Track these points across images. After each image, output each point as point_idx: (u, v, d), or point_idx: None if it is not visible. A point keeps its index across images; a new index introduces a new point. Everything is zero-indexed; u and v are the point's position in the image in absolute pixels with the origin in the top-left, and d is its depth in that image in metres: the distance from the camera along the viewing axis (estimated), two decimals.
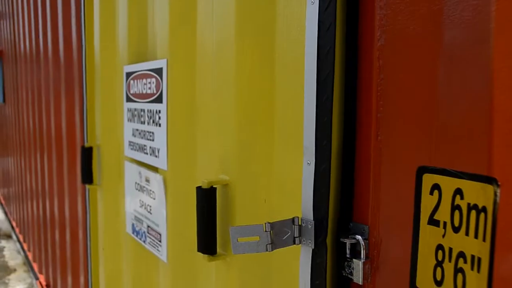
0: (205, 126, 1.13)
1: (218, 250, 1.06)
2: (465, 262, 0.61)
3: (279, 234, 0.82)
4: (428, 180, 0.65)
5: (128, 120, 1.57)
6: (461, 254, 0.61)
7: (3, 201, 6.21)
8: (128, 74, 1.55)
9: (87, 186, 2.00)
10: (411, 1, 0.65)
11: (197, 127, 1.16)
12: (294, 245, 0.83)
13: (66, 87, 2.47)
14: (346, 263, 0.73)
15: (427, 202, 0.66)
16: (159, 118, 1.34)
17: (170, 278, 1.32)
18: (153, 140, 1.39)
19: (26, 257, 4.22)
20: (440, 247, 0.64)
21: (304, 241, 0.82)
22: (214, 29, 1.06)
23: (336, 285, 0.80)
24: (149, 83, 1.39)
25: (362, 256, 0.71)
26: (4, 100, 5.19)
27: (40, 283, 3.49)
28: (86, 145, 1.95)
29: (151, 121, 1.39)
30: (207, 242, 1.05)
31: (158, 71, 1.32)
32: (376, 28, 0.67)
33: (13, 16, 4.15)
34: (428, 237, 0.66)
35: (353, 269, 0.72)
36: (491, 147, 0.56)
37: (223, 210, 1.07)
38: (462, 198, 0.61)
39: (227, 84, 1.02)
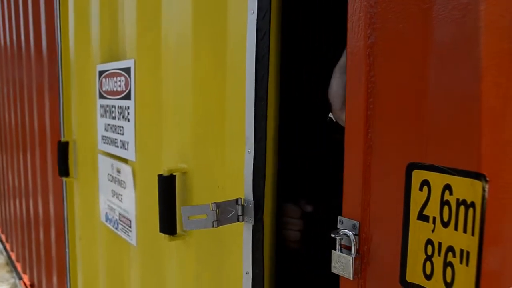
0: (168, 121, 1.26)
1: (178, 231, 1.18)
2: (454, 256, 0.62)
3: (225, 212, 0.96)
4: (418, 176, 0.66)
5: (101, 116, 1.69)
6: (450, 249, 0.62)
7: None
8: (101, 73, 1.65)
9: (64, 179, 2.12)
10: None
11: (162, 122, 1.29)
12: (238, 222, 0.97)
13: (48, 84, 2.48)
14: (336, 258, 0.74)
15: (417, 198, 0.67)
16: (128, 113, 1.46)
17: (139, 260, 1.47)
18: (123, 134, 1.51)
19: (9, 257, 4.16)
20: (429, 242, 0.65)
21: (246, 218, 0.96)
22: (175, 34, 1.19)
23: (274, 258, 0.99)
24: (119, 81, 1.50)
25: (353, 252, 0.72)
26: None
27: (24, 283, 3.44)
28: (63, 139, 2.07)
29: (121, 116, 1.51)
30: (168, 224, 1.17)
31: (127, 70, 1.44)
32: (366, 26, 0.68)
33: None
34: (418, 232, 0.67)
35: (344, 264, 0.73)
36: (480, 144, 0.57)
37: (182, 195, 1.19)
38: (451, 193, 0.62)
39: (185, 84, 1.15)
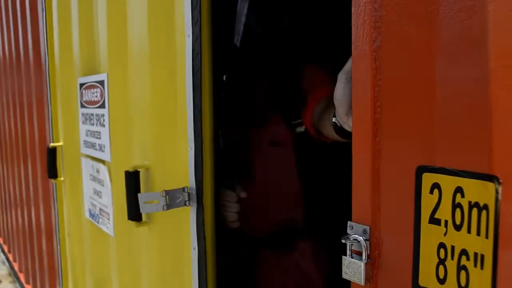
0: (135, 126, 1.47)
1: (143, 218, 1.39)
2: (468, 259, 0.61)
3: (174, 199, 1.19)
4: (428, 179, 0.66)
5: (82, 123, 1.91)
6: (464, 252, 0.62)
7: None
8: (81, 85, 1.88)
9: (53, 181, 2.34)
10: (406, 2, 0.65)
11: (130, 127, 1.50)
12: (185, 206, 1.20)
13: (45, 94, 2.56)
14: (347, 264, 0.73)
15: (427, 201, 0.66)
16: (103, 120, 1.68)
17: (116, 248, 1.70)
18: (100, 138, 1.72)
19: (12, 267, 4.14)
20: (442, 245, 0.65)
21: (191, 203, 1.18)
22: (137, 53, 1.41)
23: (214, 235, 1.21)
24: (95, 92, 1.73)
25: (364, 257, 0.72)
26: None
27: None
28: (51, 145, 2.29)
29: (98, 123, 1.73)
30: (134, 212, 1.35)
31: (101, 83, 1.66)
32: (371, 30, 0.68)
33: None
34: (430, 235, 0.66)
35: (355, 270, 0.72)
36: (492, 145, 0.57)
37: (146, 187, 1.40)
38: (462, 196, 0.62)
39: (146, 94, 1.37)
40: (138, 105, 1.43)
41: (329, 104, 1.22)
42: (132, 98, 1.46)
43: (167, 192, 1.18)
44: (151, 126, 1.37)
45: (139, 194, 1.25)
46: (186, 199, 1.19)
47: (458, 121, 0.61)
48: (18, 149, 3.42)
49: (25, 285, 3.60)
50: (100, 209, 1.80)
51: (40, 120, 2.74)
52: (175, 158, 1.25)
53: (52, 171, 2.27)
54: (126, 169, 1.37)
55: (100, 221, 1.80)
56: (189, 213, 1.20)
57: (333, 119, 0.93)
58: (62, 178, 2.29)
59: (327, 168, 1.59)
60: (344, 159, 1.56)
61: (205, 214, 1.18)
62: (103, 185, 1.73)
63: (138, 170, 1.38)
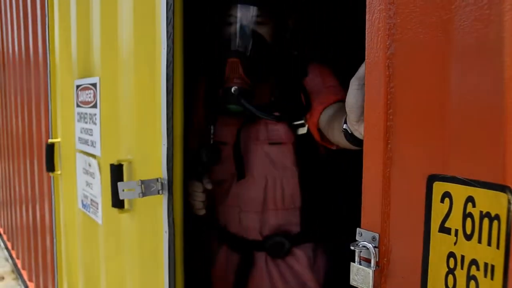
0: (121, 124, 1.64)
1: (125, 206, 1.58)
2: (478, 269, 0.61)
3: (149, 188, 1.37)
4: (439, 188, 0.65)
5: (78, 121, 2.09)
6: (474, 262, 0.61)
7: None
8: (77, 86, 2.06)
9: (51, 174, 2.53)
10: (421, 10, 0.65)
11: (118, 125, 1.67)
12: (158, 194, 1.37)
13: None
14: (356, 271, 0.73)
15: (438, 210, 0.66)
16: (95, 119, 1.87)
17: (104, 234, 1.88)
18: (92, 135, 1.92)
19: (15, 264, 4.15)
20: (451, 254, 0.64)
21: (163, 192, 1.36)
22: (124, 60, 1.58)
23: (182, 221, 1.38)
24: (89, 93, 1.92)
25: (372, 265, 0.71)
26: None
27: None
28: (50, 141, 2.48)
29: (91, 121, 1.92)
30: (117, 200, 1.54)
31: (94, 85, 1.86)
32: (385, 37, 0.68)
33: (0, 21, 4.10)
34: (439, 244, 0.66)
35: (363, 277, 0.72)
36: (505, 155, 0.57)
37: (128, 178, 1.58)
38: (474, 206, 0.61)
39: (131, 96, 1.56)
40: (125, 106, 1.62)
41: (339, 111, 1.22)
42: (120, 100, 1.65)
43: (143, 182, 1.38)
44: (135, 125, 1.56)
45: (118, 182, 1.43)
46: (159, 188, 1.37)
47: (471, 130, 0.61)
48: (25, 146, 3.44)
49: (27, 282, 3.61)
50: (91, 200, 1.99)
51: (45, 118, 2.80)
52: (153, 153, 1.43)
53: (50, 165, 2.46)
54: (112, 163, 1.58)
55: (91, 211, 2.00)
56: (162, 201, 1.39)
57: (344, 126, 0.93)
58: (59, 172, 2.47)
59: (328, 171, 1.60)
60: (347, 163, 1.57)
61: (174, 202, 1.36)
62: (94, 178, 1.93)
63: (122, 163, 1.58)
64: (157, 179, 1.37)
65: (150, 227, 1.47)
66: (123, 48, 1.58)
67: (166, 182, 1.35)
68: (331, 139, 1.28)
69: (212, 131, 1.54)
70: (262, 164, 1.52)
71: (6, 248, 4.64)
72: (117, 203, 1.55)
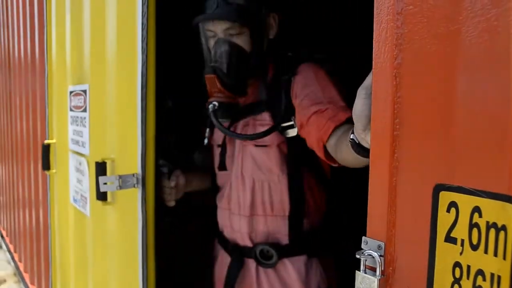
0: (107, 126, 1.86)
1: (108, 199, 1.77)
2: (484, 280, 0.61)
3: (126, 182, 1.59)
4: (445, 197, 0.66)
5: (70, 124, 2.32)
6: (480, 272, 0.61)
7: None
8: (71, 92, 2.29)
9: (47, 172, 2.78)
10: (428, 20, 0.66)
11: (104, 127, 1.89)
12: (134, 188, 1.59)
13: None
14: (361, 280, 0.73)
15: (444, 219, 0.66)
16: (85, 122, 2.09)
17: (91, 226, 2.10)
18: (82, 136, 2.14)
19: (17, 267, 4.16)
20: (457, 264, 0.64)
21: (138, 186, 1.57)
22: (109, 71, 1.80)
23: (154, 212, 1.60)
24: (80, 99, 2.15)
25: (377, 273, 0.72)
26: None
27: None
28: (46, 142, 2.74)
29: (81, 124, 2.14)
30: (99, 193, 1.71)
31: (84, 92, 2.08)
32: (393, 47, 0.68)
33: (7, 22, 4.13)
34: (445, 254, 0.66)
35: (368, 286, 0.72)
36: None
37: (111, 174, 1.76)
38: (480, 216, 0.62)
39: (115, 102, 1.78)
40: (110, 110, 1.83)
41: (348, 130, 1.12)
42: (106, 105, 1.86)
43: (121, 176, 1.60)
44: (117, 127, 1.78)
45: (99, 176, 1.64)
46: (135, 182, 1.58)
47: (478, 141, 0.61)
48: (29, 148, 3.45)
49: (29, 285, 3.61)
50: (81, 195, 2.20)
51: (44, 120, 2.99)
52: (131, 152, 1.63)
53: (45, 164, 2.71)
54: (97, 161, 1.79)
55: (81, 205, 2.22)
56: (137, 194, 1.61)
57: (351, 135, 0.92)
58: (54, 170, 2.71)
59: (325, 180, 1.57)
60: (348, 174, 1.54)
61: (147, 194, 1.57)
62: (83, 175, 2.15)
63: (106, 161, 1.77)
64: (133, 174, 1.59)
65: (130, 217, 1.66)
66: (109, 60, 1.80)
67: (140, 177, 1.56)
68: (337, 157, 1.20)
69: (207, 134, 1.61)
70: (250, 166, 1.50)
71: (9, 250, 4.64)
72: (100, 196, 1.73)
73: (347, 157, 1.09)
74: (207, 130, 1.61)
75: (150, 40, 1.51)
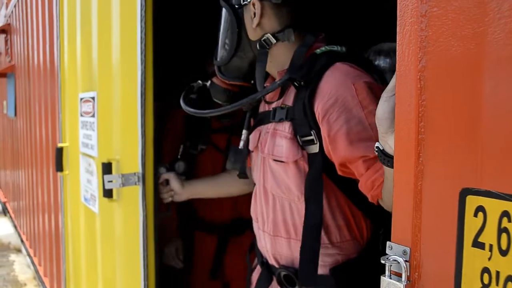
0: (113, 130, 2.03)
1: (114, 196, 1.93)
2: None
3: (128, 180, 1.75)
4: (472, 202, 0.64)
5: (81, 128, 2.49)
6: (510, 278, 0.60)
7: (12, 215, 6.22)
8: (81, 99, 2.47)
9: (60, 174, 2.99)
10: (453, 23, 0.65)
11: (110, 131, 2.05)
12: (136, 185, 1.75)
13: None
14: (386, 285, 0.72)
15: (471, 224, 0.65)
16: (94, 126, 2.25)
17: (100, 222, 2.26)
18: (91, 140, 2.30)
19: (37, 271, 4.21)
20: (486, 270, 0.63)
21: (139, 184, 1.73)
22: (116, 78, 1.97)
23: (153, 208, 1.77)
24: (89, 105, 2.32)
25: (403, 279, 0.71)
26: (15, 114, 5.22)
27: None
28: (59, 145, 2.95)
29: (90, 128, 2.31)
30: (105, 191, 1.87)
31: (93, 98, 2.25)
32: (417, 50, 0.67)
33: (26, 32, 4.20)
34: (473, 259, 0.65)
35: None
36: None
37: (116, 173, 1.92)
38: (509, 221, 0.60)
39: (120, 107, 1.94)
40: (115, 115, 1.99)
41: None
42: (113, 110, 2.02)
43: (123, 175, 1.76)
44: (122, 131, 1.93)
45: (104, 175, 1.81)
46: (136, 180, 1.74)
47: (506, 143, 0.60)
48: (48, 153, 3.50)
49: None
50: (91, 194, 2.35)
51: (55, 124, 3.21)
52: (133, 153, 1.78)
53: (59, 166, 2.92)
54: (103, 161, 1.94)
55: (90, 203, 2.37)
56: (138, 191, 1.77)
57: (376, 144, 0.89)
58: (67, 172, 2.91)
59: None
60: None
61: (147, 191, 1.73)
62: (92, 175, 2.30)
63: (111, 161, 1.93)
64: (134, 173, 1.75)
65: (133, 213, 1.81)
66: (114, 69, 1.97)
67: (141, 175, 1.71)
68: (388, 206, 1.06)
69: (243, 137, 1.46)
70: (270, 181, 1.32)
71: (29, 255, 4.71)
72: (106, 193, 1.90)
73: (391, 190, 0.91)
74: (245, 132, 1.44)
75: (148, 52, 1.67)
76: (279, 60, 1.28)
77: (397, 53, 0.70)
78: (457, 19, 0.64)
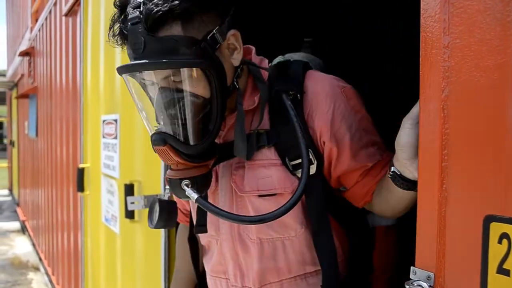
0: (135, 152, 2.09)
1: (135, 217, 2.02)
2: None
3: (150, 201, 1.49)
4: (496, 229, 0.65)
5: (103, 149, 2.57)
6: None
7: (31, 233, 6.29)
8: (103, 121, 2.56)
9: (81, 194, 3.08)
10: (476, 53, 0.67)
11: (132, 153, 2.12)
12: None
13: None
14: None
15: (496, 251, 0.66)
16: (116, 148, 2.31)
17: (120, 241, 2.33)
18: (113, 161, 2.36)
19: None
20: None
21: None
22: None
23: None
24: (112, 127, 2.39)
25: None
26: (37, 135, 5.33)
27: None
28: (80, 166, 3.03)
29: (112, 150, 2.37)
30: (128, 212, 1.97)
31: (115, 120, 2.32)
32: (440, 80, 0.69)
33: (50, 55, 4.32)
34: (498, 286, 0.65)
35: None
36: None
37: (138, 195, 2.00)
38: None
39: (141, 130, 1.98)
40: (138, 137, 2.05)
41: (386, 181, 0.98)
42: (135, 132, 2.08)
43: (146, 196, 1.83)
44: (144, 153, 1.99)
45: (127, 197, 1.86)
46: None
47: None
48: (69, 172, 3.56)
49: None
50: (112, 214, 2.41)
51: (77, 145, 3.32)
52: (156, 175, 1.82)
53: (80, 186, 3.01)
54: (126, 183, 2.02)
55: (111, 223, 2.42)
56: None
57: (392, 168, 0.91)
58: (88, 192, 2.99)
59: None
60: None
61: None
62: (114, 196, 2.36)
63: (133, 183, 2.01)
64: (157, 195, 1.78)
65: (154, 234, 1.85)
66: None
67: (164, 197, 1.63)
68: (375, 208, 1.08)
69: None
70: (253, 225, 1.09)
71: (47, 273, 4.75)
72: (128, 214, 1.96)
73: (390, 201, 0.98)
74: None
75: None
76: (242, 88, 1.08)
77: (420, 82, 0.73)
78: (480, 50, 0.66)
